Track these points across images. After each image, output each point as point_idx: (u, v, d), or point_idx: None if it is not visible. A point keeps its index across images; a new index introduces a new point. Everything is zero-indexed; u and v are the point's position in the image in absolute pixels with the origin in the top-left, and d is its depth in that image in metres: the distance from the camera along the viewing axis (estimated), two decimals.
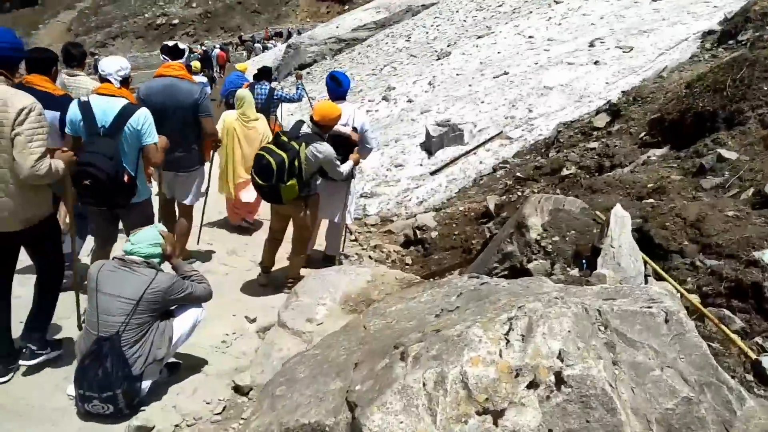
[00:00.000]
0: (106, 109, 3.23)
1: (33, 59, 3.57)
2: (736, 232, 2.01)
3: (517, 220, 2.37)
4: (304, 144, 3.68)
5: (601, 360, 1.31)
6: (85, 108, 3.23)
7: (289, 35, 36.14)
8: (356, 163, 4.09)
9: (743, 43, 4.85)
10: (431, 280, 3.69)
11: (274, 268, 4.30)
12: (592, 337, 1.40)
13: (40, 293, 2.99)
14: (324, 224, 4.69)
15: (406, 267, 4.68)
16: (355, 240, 5.42)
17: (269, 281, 4.25)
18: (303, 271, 4.39)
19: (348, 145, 4.14)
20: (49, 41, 54.21)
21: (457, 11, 15.84)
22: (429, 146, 7.15)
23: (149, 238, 2.71)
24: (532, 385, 1.29)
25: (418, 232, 5.07)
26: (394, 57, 13.46)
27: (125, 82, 3.52)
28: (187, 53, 4.85)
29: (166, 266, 2.80)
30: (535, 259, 2.23)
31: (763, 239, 1.95)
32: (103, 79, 3.43)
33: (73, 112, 3.23)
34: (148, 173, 3.75)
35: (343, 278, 3.39)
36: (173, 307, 2.74)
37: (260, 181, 3.68)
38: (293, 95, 7.90)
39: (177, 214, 4.38)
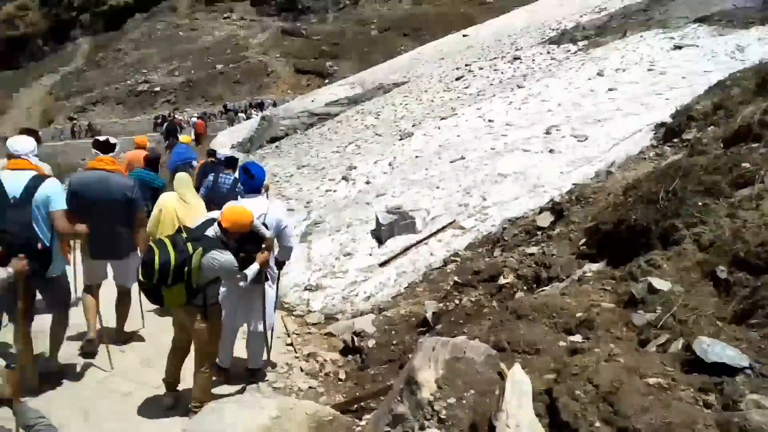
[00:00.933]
0: (17, 181, 3.48)
1: None
2: (658, 412, 1.68)
3: (408, 373, 2.02)
4: (202, 249, 3.32)
5: None
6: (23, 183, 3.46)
7: (274, 104, 36.77)
8: (263, 265, 3.70)
9: (686, 143, 4.77)
10: (348, 415, 3.29)
11: (184, 386, 3.84)
12: None
13: None
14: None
15: (339, 383, 4.25)
16: (291, 345, 4.99)
17: (176, 402, 3.77)
18: (227, 389, 3.98)
19: (258, 240, 3.79)
20: (29, 103, 54.63)
21: (426, 91, 16.19)
22: (379, 234, 6.88)
23: None
24: None
25: (356, 339, 4.67)
26: (360, 135, 13.52)
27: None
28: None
29: None
30: (428, 428, 1.87)
31: (687, 427, 1.62)
32: (12, 157, 3.64)
33: None
34: (65, 250, 4.03)
35: (243, 413, 2.96)
36: None
37: (141, 278, 3.31)
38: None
39: (97, 301, 4.32)
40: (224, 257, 3.33)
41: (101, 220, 4.08)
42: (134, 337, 4.86)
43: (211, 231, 3.48)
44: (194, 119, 34.12)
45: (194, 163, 9.15)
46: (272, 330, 4.33)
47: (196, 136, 29.85)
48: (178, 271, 3.28)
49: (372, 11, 44.87)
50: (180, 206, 4.95)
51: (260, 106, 37.48)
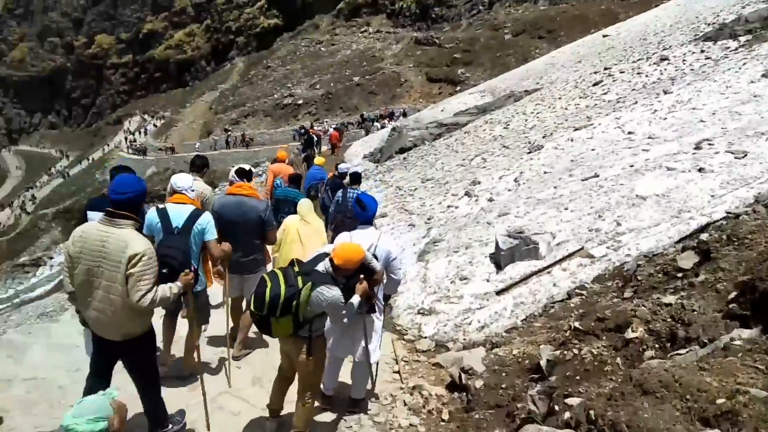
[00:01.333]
0: (180, 214, 4.20)
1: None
2: None
3: None
4: (311, 284, 3.35)
5: None
6: (162, 213, 4.20)
7: (404, 114, 37.45)
8: (364, 296, 3.65)
9: None
10: None
11: (287, 410, 3.92)
12: None
13: (142, 396, 3.59)
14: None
15: (441, 423, 4.05)
16: (398, 372, 4.89)
17: (278, 428, 3.86)
18: (329, 416, 4.01)
19: (369, 273, 3.77)
20: (193, 117, 61.79)
21: (559, 98, 15.26)
22: (498, 259, 6.52)
23: (92, 410, 2.23)
24: None
25: (463, 375, 4.43)
26: (487, 146, 13.12)
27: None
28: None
29: None
30: None
31: None
32: (176, 192, 4.47)
33: (150, 217, 4.21)
34: (207, 269, 4.61)
35: None
36: None
37: (252, 308, 3.42)
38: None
39: (243, 308, 5.22)
40: (332, 293, 3.35)
41: (238, 238, 4.77)
42: (251, 352, 5.22)
43: (322, 266, 3.54)
44: (331, 130, 35.97)
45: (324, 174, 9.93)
46: (377, 363, 4.27)
47: (332, 146, 31.44)
48: (287, 304, 3.35)
49: (505, 15, 43.71)
50: (301, 226, 5.36)
51: (392, 116, 38.38)
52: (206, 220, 4.21)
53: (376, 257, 3.91)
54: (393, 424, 4.07)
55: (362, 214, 4.21)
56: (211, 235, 4.22)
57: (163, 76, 76.74)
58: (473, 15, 46.07)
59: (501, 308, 5.73)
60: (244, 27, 70.54)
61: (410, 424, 4.07)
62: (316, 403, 3.92)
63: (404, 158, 17.37)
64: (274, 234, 5.20)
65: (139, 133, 62.57)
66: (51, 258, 37.10)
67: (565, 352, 3.76)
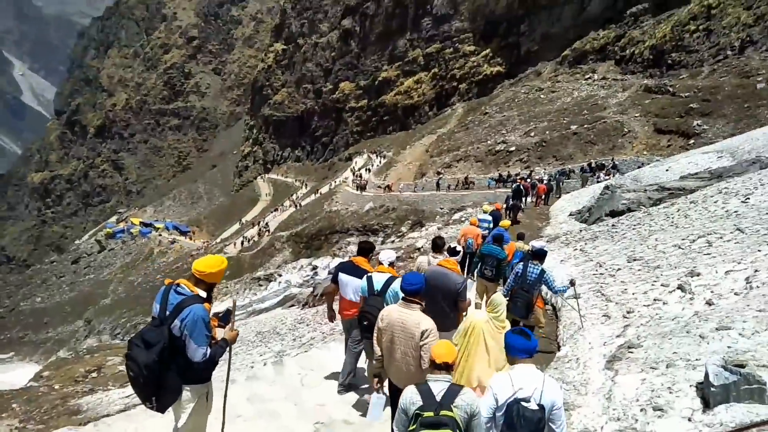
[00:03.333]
0: (379, 281, 5.82)
1: (360, 249, 6.78)
2: None
3: None
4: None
5: None
6: (369, 279, 5.88)
7: (613, 166, 34.44)
8: None
9: None
10: None
11: None
12: None
13: None
14: None
15: None
16: None
17: None
18: None
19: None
20: (411, 159, 65.79)
21: None
22: (708, 394, 5.17)
23: None
24: None
25: None
26: (716, 225, 10.95)
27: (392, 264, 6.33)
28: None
29: None
30: None
31: None
32: (380, 263, 6.15)
33: (363, 283, 5.93)
34: None
35: None
36: None
37: None
38: (560, 288, 8.01)
39: None
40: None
41: (437, 300, 5.80)
42: None
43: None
44: (546, 179, 34.66)
45: (505, 236, 9.97)
46: None
47: (537, 197, 30.17)
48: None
49: (760, 60, 37.15)
50: (489, 328, 5.33)
51: (600, 168, 35.45)
52: (397, 285, 5.49)
53: (541, 406, 3.55)
54: None
55: (525, 344, 3.78)
56: (398, 297, 5.17)
57: (391, 119, 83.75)
58: (718, 60, 40.25)
59: None
60: (468, 74, 73.19)
61: None
62: None
63: (613, 225, 15.60)
64: (464, 304, 6.08)
65: (366, 170, 68.91)
66: (280, 275, 42.56)
67: None
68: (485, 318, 5.41)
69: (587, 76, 53.53)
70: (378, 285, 5.74)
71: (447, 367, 3.63)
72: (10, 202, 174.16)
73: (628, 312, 8.15)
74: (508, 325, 5.51)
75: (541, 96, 55.96)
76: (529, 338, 3.76)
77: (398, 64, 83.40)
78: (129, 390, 11.72)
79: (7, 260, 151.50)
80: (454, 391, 3.47)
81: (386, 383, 5.07)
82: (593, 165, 36.38)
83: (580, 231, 16.61)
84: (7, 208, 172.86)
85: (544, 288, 8.17)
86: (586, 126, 43.98)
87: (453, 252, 7.02)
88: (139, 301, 60.09)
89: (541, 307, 8.60)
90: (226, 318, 4.29)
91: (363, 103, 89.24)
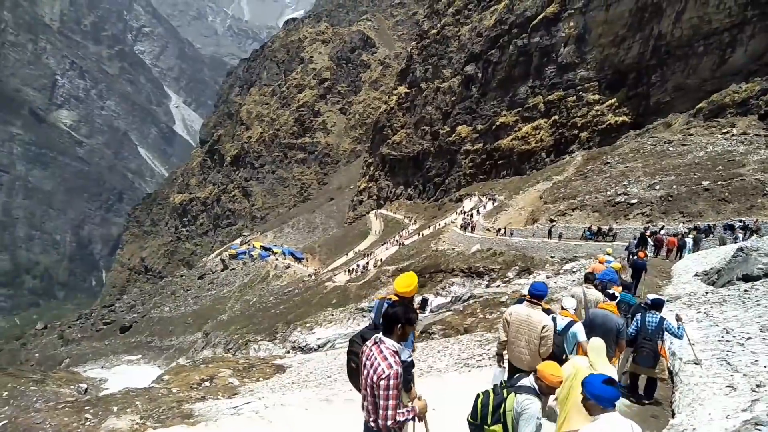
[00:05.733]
0: (562, 323, 6.61)
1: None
2: None
3: None
4: (514, 393, 3.85)
5: None
6: (553, 320, 6.51)
7: (745, 227, 31.67)
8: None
9: None
10: None
11: None
12: None
13: None
14: None
15: None
16: None
17: None
18: None
19: None
20: (523, 204, 65.01)
21: None
22: None
23: None
24: None
25: None
26: None
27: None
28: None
29: None
30: None
31: None
32: (563, 308, 6.98)
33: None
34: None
35: None
36: None
37: (469, 418, 4.03)
38: (678, 331, 8.29)
39: None
40: (531, 403, 3.76)
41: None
42: None
43: (527, 381, 4.00)
44: (681, 233, 32.89)
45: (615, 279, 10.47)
46: None
47: (668, 250, 28.71)
48: (495, 412, 3.89)
49: None
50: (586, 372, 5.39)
51: (731, 228, 32.61)
52: (579, 328, 6.49)
53: None
54: None
55: (615, 395, 3.78)
56: (582, 337, 6.28)
57: (505, 164, 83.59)
58: None
59: None
60: (590, 123, 71.39)
61: None
62: None
63: (746, 290, 14.73)
64: (623, 343, 7.20)
65: (477, 212, 69.18)
66: None
67: None
68: (587, 364, 5.19)
69: (724, 131, 50.01)
70: (560, 325, 6.64)
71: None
72: (153, 219, 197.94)
73: (757, 385, 7.65)
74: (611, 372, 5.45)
75: (670, 148, 53.10)
76: (616, 387, 3.77)
77: (517, 110, 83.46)
78: (236, 401, 12.56)
79: (145, 270, 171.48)
80: None
81: (506, 361, 6.41)
82: (744, 224, 33.34)
83: (706, 293, 15.81)
84: (151, 224, 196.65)
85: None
86: (720, 182, 41.01)
87: (609, 296, 8.25)
88: (251, 319, 63.29)
89: (665, 357, 8.43)
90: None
91: (478, 146, 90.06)
